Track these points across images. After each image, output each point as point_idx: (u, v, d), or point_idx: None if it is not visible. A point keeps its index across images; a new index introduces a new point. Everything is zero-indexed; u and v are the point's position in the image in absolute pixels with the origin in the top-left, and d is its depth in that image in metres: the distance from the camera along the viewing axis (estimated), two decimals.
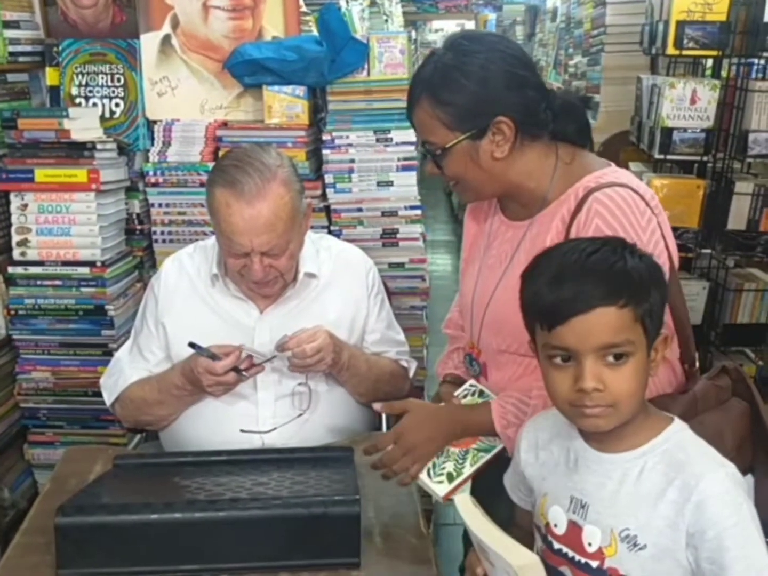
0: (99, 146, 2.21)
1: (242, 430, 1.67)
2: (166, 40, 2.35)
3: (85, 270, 2.25)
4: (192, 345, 1.61)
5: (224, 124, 2.36)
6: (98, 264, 2.25)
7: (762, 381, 2.46)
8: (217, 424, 1.69)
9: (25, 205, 2.23)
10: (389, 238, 2.34)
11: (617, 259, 1.05)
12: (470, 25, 9.03)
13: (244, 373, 1.63)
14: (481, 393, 1.48)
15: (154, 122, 2.39)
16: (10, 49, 2.28)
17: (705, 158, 2.54)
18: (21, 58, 2.34)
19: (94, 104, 2.39)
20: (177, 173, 2.32)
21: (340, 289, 1.79)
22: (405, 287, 2.37)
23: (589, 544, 1.10)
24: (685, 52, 2.53)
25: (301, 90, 2.27)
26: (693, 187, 2.52)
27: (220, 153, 2.24)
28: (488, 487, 1.39)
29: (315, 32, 2.33)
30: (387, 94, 2.30)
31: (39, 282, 2.26)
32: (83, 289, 2.26)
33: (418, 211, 2.34)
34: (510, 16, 8.07)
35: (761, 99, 2.40)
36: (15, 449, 2.40)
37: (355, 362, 1.74)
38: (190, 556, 1.29)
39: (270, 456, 1.56)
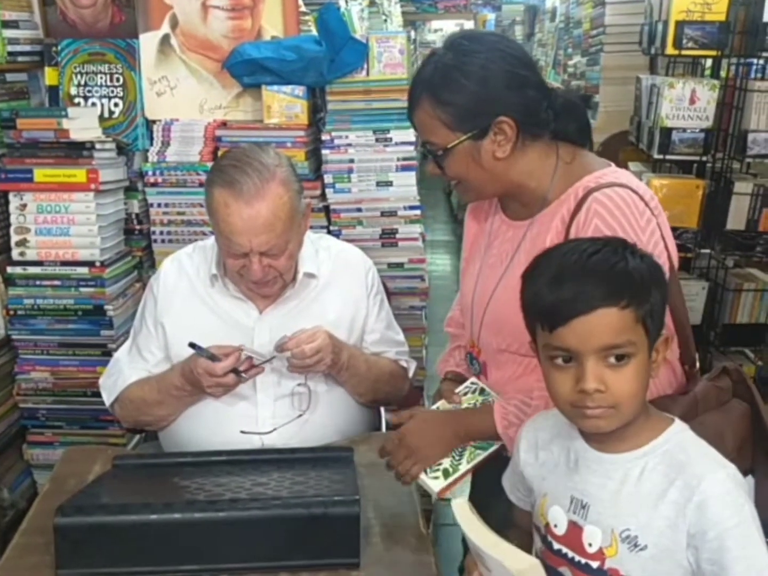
0: (98, 146, 2.21)
1: (242, 431, 1.66)
2: (165, 39, 2.35)
3: (84, 270, 2.25)
4: (192, 345, 1.61)
5: (223, 124, 2.35)
6: (97, 264, 2.25)
7: (761, 381, 2.46)
8: (217, 425, 1.68)
9: (24, 205, 2.23)
10: (388, 238, 2.34)
11: (618, 260, 1.05)
12: (469, 25, 9.03)
13: (243, 375, 1.63)
14: (482, 391, 1.49)
15: (153, 122, 2.39)
16: (9, 48, 2.28)
17: (704, 158, 2.54)
18: (20, 58, 2.34)
19: (93, 104, 2.39)
20: (176, 173, 2.32)
21: (339, 289, 1.79)
22: (404, 287, 2.37)
23: (590, 545, 1.10)
24: (684, 52, 2.53)
25: (300, 90, 2.27)
26: (692, 187, 2.52)
27: (220, 153, 2.23)
28: (487, 487, 1.39)
29: (314, 32, 2.33)
30: (386, 94, 2.30)
31: (38, 282, 2.26)
32: (82, 289, 2.26)
33: (418, 211, 2.34)
34: (509, 16, 8.08)
35: (760, 99, 2.40)
36: (14, 449, 2.40)
37: (355, 362, 1.73)
38: (189, 557, 1.29)
39: (270, 456, 1.56)
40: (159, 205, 2.35)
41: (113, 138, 2.30)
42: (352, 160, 2.30)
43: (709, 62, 2.78)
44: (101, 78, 2.39)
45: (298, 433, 1.68)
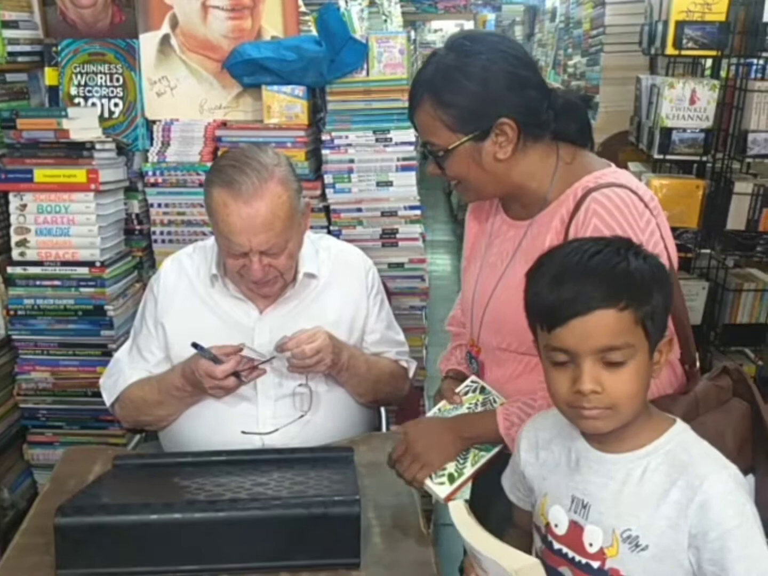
0: (98, 146, 2.21)
1: (243, 432, 1.66)
2: (165, 39, 2.35)
3: (84, 270, 2.25)
4: (195, 345, 1.61)
5: (223, 124, 2.36)
6: (97, 264, 2.25)
7: (762, 381, 2.46)
8: (217, 425, 1.68)
9: (24, 206, 2.23)
10: (389, 238, 2.34)
11: (619, 261, 1.05)
12: (469, 25, 9.04)
13: (244, 379, 1.63)
14: (483, 389, 1.49)
15: (153, 122, 2.39)
16: (9, 48, 2.28)
17: (704, 158, 2.54)
18: (20, 58, 2.34)
19: (93, 104, 2.39)
20: (176, 173, 2.32)
21: (339, 290, 1.79)
22: (404, 287, 2.37)
23: (590, 545, 1.10)
24: (684, 52, 2.53)
25: (300, 90, 2.27)
26: (692, 187, 2.52)
27: (220, 153, 2.23)
28: (487, 487, 1.39)
29: (314, 32, 2.33)
30: (386, 94, 2.30)
31: (38, 282, 2.26)
32: (82, 290, 2.26)
33: (418, 211, 2.34)
34: (509, 16, 8.08)
35: (760, 99, 2.40)
36: (14, 449, 2.40)
37: (355, 363, 1.73)
38: (189, 557, 1.29)
39: (270, 456, 1.56)
40: (159, 205, 2.35)
41: (113, 138, 2.30)
42: (352, 160, 2.30)
43: (709, 62, 2.78)
44: (101, 78, 2.39)
45: (299, 433, 1.68)
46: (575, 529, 1.12)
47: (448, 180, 1.45)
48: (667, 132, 2.50)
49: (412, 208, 2.33)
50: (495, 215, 1.51)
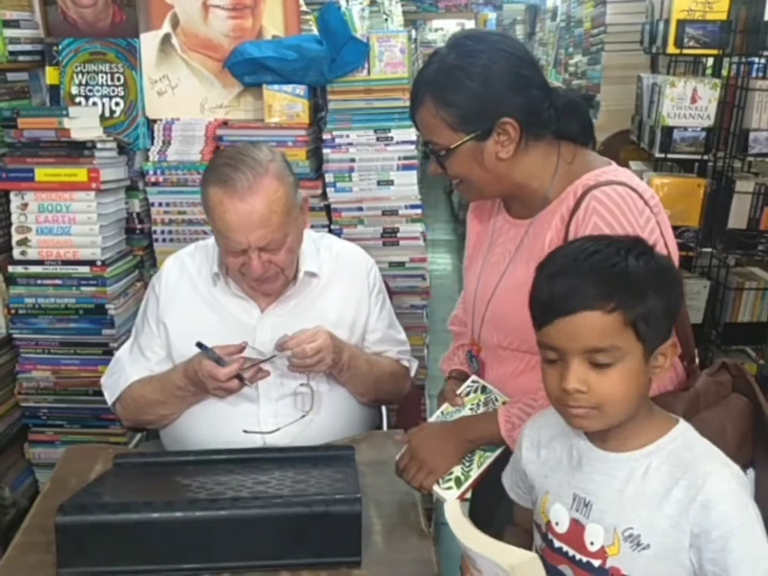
0: (99, 145, 2.21)
1: (245, 431, 1.66)
2: (166, 39, 2.35)
3: (85, 269, 2.25)
4: (199, 345, 1.61)
5: (224, 123, 2.36)
6: (98, 263, 2.25)
7: (763, 380, 2.46)
8: (219, 424, 1.68)
9: (26, 205, 2.23)
10: (390, 237, 2.34)
11: (615, 262, 1.04)
12: (470, 24, 9.03)
13: (247, 381, 1.63)
14: (484, 389, 1.49)
15: (154, 121, 2.39)
16: (10, 48, 2.28)
17: (705, 157, 2.55)
18: (21, 57, 2.34)
19: (94, 103, 2.39)
20: (177, 172, 2.32)
21: (341, 289, 1.79)
22: (405, 286, 2.37)
23: (591, 543, 1.10)
24: (685, 51, 2.53)
25: (301, 89, 2.27)
26: (693, 185, 2.52)
27: None
28: (489, 488, 1.39)
29: (315, 31, 2.33)
30: (387, 93, 2.30)
31: (39, 281, 2.26)
32: (83, 289, 2.26)
33: (419, 210, 2.34)
34: (510, 15, 8.08)
35: (762, 98, 2.40)
36: (16, 448, 2.40)
37: (356, 362, 1.73)
38: (191, 555, 1.29)
39: (271, 455, 1.56)
40: (160, 204, 2.35)
41: (114, 137, 2.30)
42: (353, 159, 2.30)
43: (710, 61, 2.79)
44: (102, 77, 2.39)
45: (301, 433, 1.68)
46: (576, 527, 1.12)
47: (450, 179, 1.45)
48: (668, 131, 2.50)
49: (413, 207, 2.33)
50: (497, 214, 1.51)
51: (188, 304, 1.75)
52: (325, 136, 2.31)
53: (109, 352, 2.23)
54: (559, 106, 1.37)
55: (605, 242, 1.09)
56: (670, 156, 2.56)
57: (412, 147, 2.30)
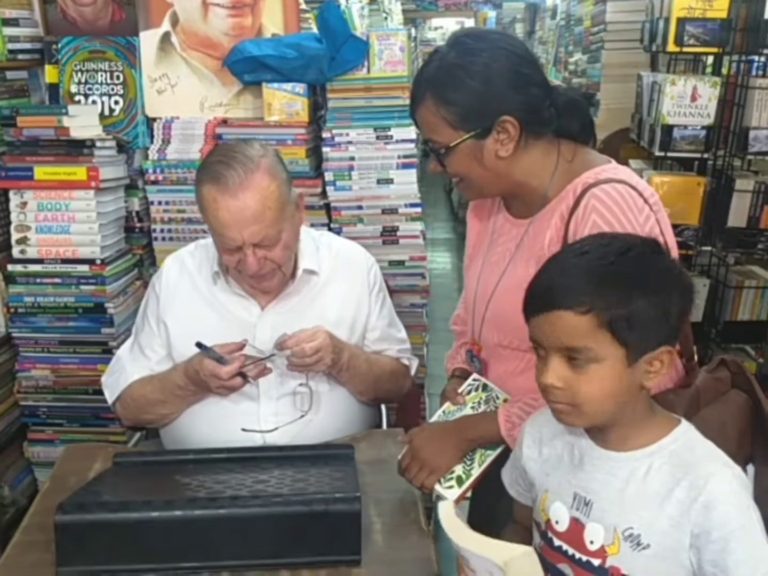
0: (98, 144, 2.21)
1: (244, 429, 1.66)
2: (166, 37, 2.34)
3: (84, 268, 2.25)
4: (199, 345, 1.61)
5: (224, 122, 2.35)
6: (98, 262, 2.25)
7: (762, 378, 2.46)
8: (219, 422, 1.68)
9: (25, 203, 2.23)
10: (389, 235, 2.34)
11: (599, 262, 1.04)
12: (470, 22, 9.04)
13: (250, 379, 1.63)
14: (485, 387, 1.49)
15: (154, 120, 2.39)
16: (9, 46, 2.28)
17: (705, 155, 2.55)
18: (20, 56, 2.34)
19: (94, 102, 2.39)
20: (176, 171, 2.32)
21: (341, 287, 1.79)
22: (405, 285, 2.37)
23: (591, 542, 1.09)
24: (685, 49, 2.53)
25: (300, 87, 2.27)
26: (693, 184, 2.52)
27: None
28: (487, 485, 1.39)
29: (315, 30, 2.33)
30: (387, 92, 2.30)
31: (38, 280, 2.26)
32: (83, 287, 2.26)
33: (418, 209, 2.34)
34: (510, 13, 8.08)
35: (761, 96, 2.40)
36: (15, 447, 2.40)
37: (355, 362, 1.73)
38: (190, 554, 1.29)
39: (270, 453, 1.56)
40: (159, 202, 2.35)
41: (114, 136, 2.30)
42: (352, 158, 2.30)
43: (710, 59, 2.78)
44: (101, 76, 2.39)
45: (300, 433, 1.68)
46: (576, 526, 1.12)
47: (450, 178, 1.45)
48: (668, 129, 2.50)
49: (412, 205, 2.33)
50: (497, 213, 1.51)
51: (188, 303, 1.75)
52: (325, 135, 2.31)
53: (109, 351, 2.23)
54: (560, 105, 1.37)
55: (605, 242, 1.09)
56: (670, 154, 2.56)
57: (412, 145, 2.30)
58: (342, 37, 2.24)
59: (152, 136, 2.38)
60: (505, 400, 1.45)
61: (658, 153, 2.57)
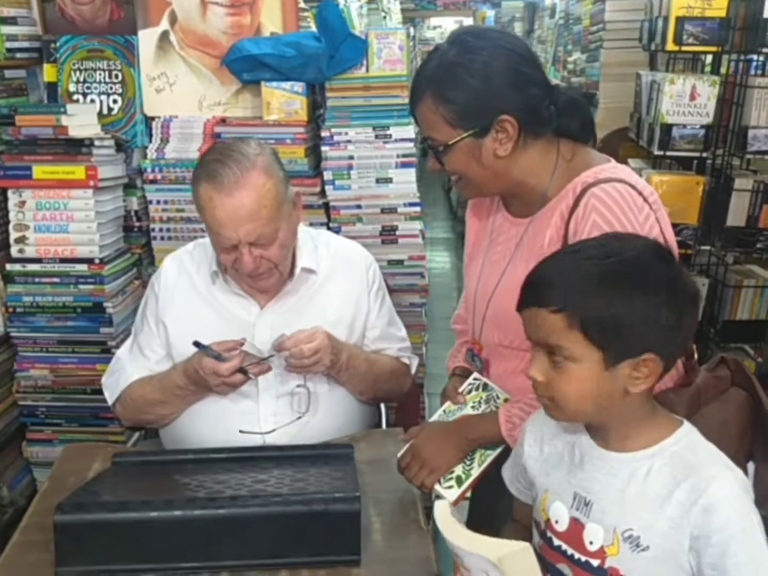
0: (97, 143, 2.20)
1: (241, 431, 1.66)
2: (164, 36, 2.34)
3: (83, 267, 2.25)
4: (197, 344, 1.61)
5: (222, 121, 2.35)
6: (96, 261, 2.24)
7: (762, 378, 2.46)
8: (218, 422, 1.68)
9: (23, 202, 2.23)
10: (388, 235, 2.34)
11: (584, 263, 1.04)
12: (468, 22, 9.04)
13: (251, 375, 1.62)
14: (485, 386, 1.49)
15: (152, 119, 2.38)
16: (8, 45, 2.27)
17: (704, 154, 2.55)
18: (18, 55, 2.34)
19: (92, 101, 2.38)
20: (175, 170, 2.31)
21: (340, 286, 1.78)
22: (404, 284, 2.36)
23: (591, 543, 1.09)
24: (684, 48, 2.53)
25: (299, 86, 2.27)
26: (692, 183, 2.51)
27: None
28: (486, 484, 1.39)
29: (313, 28, 2.32)
30: (386, 91, 2.30)
31: (37, 279, 2.26)
32: (81, 287, 2.26)
33: (418, 208, 2.34)
34: (508, 12, 8.07)
35: (761, 95, 2.40)
36: (14, 447, 2.39)
37: (354, 362, 1.73)
38: (189, 554, 1.29)
39: (270, 453, 1.56)
40: (158, 202, 2.34)
41: (112, 135, 2.30)
42: (351, 157, 2.30)
43: (709, 58, 2.79)
44: (100, 74, 2.38)
45: (298, 433, 1.67)
46: (576, 526, 1.11)
47: (448, 175, 1.45)
48: (667, 128, 2.50)
49: (411, 204, 2.33)
50: (496, 212, 1.51)
51: (187, 303, 1.75)
52: (324, 134, 2.31)
53: (107, 351, 2.23)
54: (560, 104, 1.37)
55: (602, 243, 1.10)
56: (669, 153, 2.56)
57: (411, 144, 2.30)
58: (341, 35, 2.23)
59: (151, 135, 2.37)
60: (505, 400, 1.45)
61: (657, 152, 2.57)
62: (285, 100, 2.27)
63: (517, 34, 6.64)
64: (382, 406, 1.95)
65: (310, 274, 1.75)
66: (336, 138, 2.29)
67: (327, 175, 2.31)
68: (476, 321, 1.50)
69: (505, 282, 1.41)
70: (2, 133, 2.22)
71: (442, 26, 11.15)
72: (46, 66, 2.39)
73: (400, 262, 2.35)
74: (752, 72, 2.58)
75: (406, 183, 2.31)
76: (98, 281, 2.25)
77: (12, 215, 2.23)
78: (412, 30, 6.36)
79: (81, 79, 2.38)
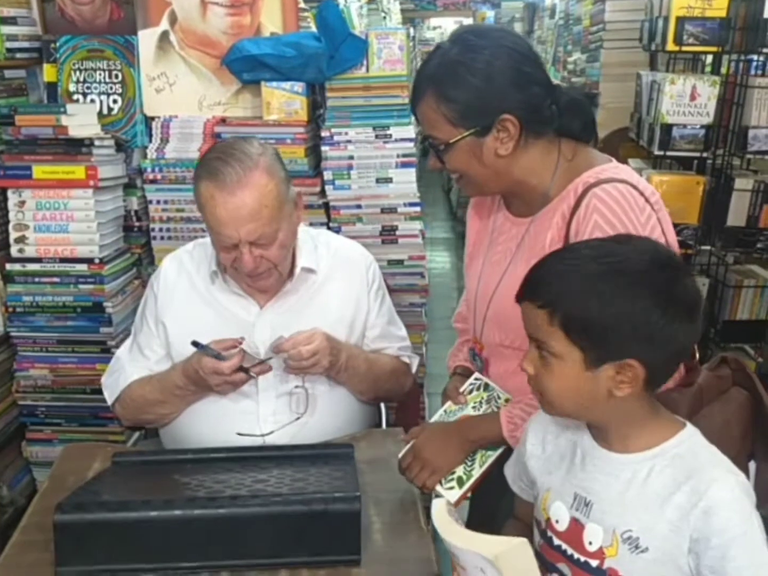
0: (97, 143, 2.20)
1: (239, 433, 1.65)
2: (164, 36, 2.34)
3: (83, 267, 2.25)
4: (195, 344, 1.60)
5: (222, 121, 2.35)
6: (96, 261, 2.24)
7: (761, 378, 2.46)
8: (218, 422, 1.68)
9: (23, 202, 2.22)
10: (388, 235, 2.34)
11: (577, 263, 1.05)
12: (468, 22, 9.02)
13: (252, 373, 1.62)
14: (486, 386, 1.49)
15: (152, 119, 2.38)
16: (8, 45, 2.27)
17: (704, 154, 2.55)
18: (18, 55, 2.33)
19: (92, 100, 2.38)
20: (175, 170, 2.31)
21: (340, 286, 1.78)
22: (404, 284, 2.36)
23: (590, 543, 1.09)
24: (684, 48, 2.54)
25: (299, 86, 2.26)
26: (692, 183, 2.52)
27: None
28: (488, 484, 1.39)
29: (313, 28, 2.32)
30: (386, 91, 2.29)
31: (37, 279, 2.26)
32: (81, 286, 2.25)
33: (418, 208, 2.34)
34: (508, 13, 8.08)
35: (761, 95, 2.41)
36: (13, 447, 2.39)
37: (354, 363, 1.72)
38: (189, 554, 1.29)
39: (270, 453, 1.56)
40: (158, 201, 2.34)
41: (112, 135, 2.30)
42: (351, 157, 2.30)
43: (709, 58, 2.79)
44: (100, 74, 2.38)
45: (297, 434, 1.67)
46: (576, 526, 1.11)
47: (450, 174, 1.45)
48: (667, 128, 2.50)
49: (411, 204, 2.33)
50: (497, 212, 1.51)
51: (187, 303, 1.75)
52: (324, 134, 2.30)
53: (107, 350, 2.23)
54: (562, 104, 1.37)
55: (604, 244, 1.11)
56: (669, 153, 2.56)
57: (411, 144, 2.30)
58: (341, 35, 2.23)
59: (151, 135, 2.37)
60: (506, 400, 1.45)
61: (657, 152, 2.57)
62: (285, 100, 2.27)
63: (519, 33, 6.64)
64: (382, 406, 1.95)
65: (310, 273, 1.75)
66: (336, 138, 2.29)
67: (327, 175, 2.31)
68: (477, 321, 1.50)
69: (506, 282, 1.41)
70: (2, 132, 2.22)
71: (441, 27, 11.16)
72: (46, 66, 2.39)
73: (400, 262, 2.35)
74: (752, 72, 2.59)
75: (406, 183, 2.31)
76: (98, 281, 2.25)
77: (12, 215, 2.23)
78: (411, 30, 6.36)
79: (81, 79, 2.38)
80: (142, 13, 2.34)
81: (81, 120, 2.23)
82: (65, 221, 2.23)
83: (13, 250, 2.25)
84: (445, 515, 1.11)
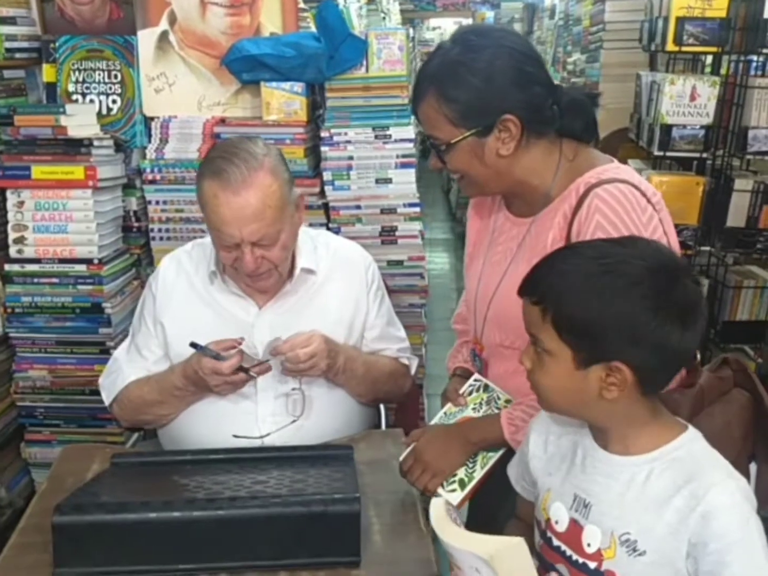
0: (96, 143, 2.20)
1: (235, 436, 1.65)
2: (164, 36, 2.34)
3: (82, 267, 2.24)
4: (194, 345, 1.60)
5: (222, 121, 2.35)
6: (95, 261, 2.24)
7: (761, 378, 2.45)
8: (217, 423, 1.67)
9: (22, 203, 2.22)
10: (388, 235, 2.33)
11: (575, 262, 1.06)
12: (468, 23, 9.03)
13: (252, 373, 1.62)
14: (486, 387, 1.48)
15: (152, 119, 2.38)
16: (7, 45, 2.27)
17: (704, 155, 2.55)
18: (17, 55, 2.33)
19: (91, 101, 2.38)
20: (174, 170, 2.31)
21: (339, 286, 1.78)
22: (404, 285, 2.36)
23: (588, 545, 1.09)
24: (684, 49, 2.54)
25: (299, 86, 2.26)
26: (692, 184, 2.51)
27: None
28: (490, 485, 1.39)
29: (313, 28, 2.32)
30: (385, 91, 2.29)
31: (36, 280, 2.26)
32: (80, 287, 2.25)
33: (417, 209, 2.34)
34: (508, 13, 8.09)
35: (761, 95, 2.41)
36: (12, 448, 2.39)
37: (352, 365, 1.72)
38: (188, 555, 1.28)
39: (269, 454, 1.55)
40: (157, 202, 2.34)
41: (111, 135, 2.30)
42: (351, 157, 2.30)
43: (709, 59, 2.79)
44: (99, 75, 2.38)
45: (293, 437, 1.66)
46: (575, 527, 1.11)
47: (451, 174, 1.44)
48: (667, 129, 2.50)
49: (411, 205, 2.33)
50: (497, 212, 1.50)
51: (185, 303, 1.74)
52: (324, 134, 2.30)
53: (106, 351, 2.22)
54: (563, 104, 1.36)
55: (597, 243, 1.12)
56: (669, 154, 2.56)
57: (411, 145, 2.30)
58: (340, 36, 2.23)
59: (150, 136, 2.37)
60: (507, 401, 1.44)
61: (657, 153, 2.57)
62: (284, 100, 2.27)
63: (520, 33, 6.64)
64: (382, 407, 1.94)
65: (310, 274, 1.75)
66: (335, 138, 2.29)
67: (326, 176, 2.30)
68: (477, 321, 1.50)
69: (507, 282, 1.40)
70: (1, 133, 2.22)
71: (441, 27, 11.16)
72: (45, 66, 2.39)
73: (399, 263, 2.35)
74: (752, 72, 2.59)
75: (405, 183, 2.31)
76: (97, 282, 2.24)
77: (11, 215, 2.23)
78: (411, 31, 6.36)
79: (80, 79, 2.38)
80: (141, 13, 2.34)
81: (80, 120, 2.23)
82: (64, 222, 2.22)
83: (12, 251, 2.24)
84: (443, 515, 1.10)
